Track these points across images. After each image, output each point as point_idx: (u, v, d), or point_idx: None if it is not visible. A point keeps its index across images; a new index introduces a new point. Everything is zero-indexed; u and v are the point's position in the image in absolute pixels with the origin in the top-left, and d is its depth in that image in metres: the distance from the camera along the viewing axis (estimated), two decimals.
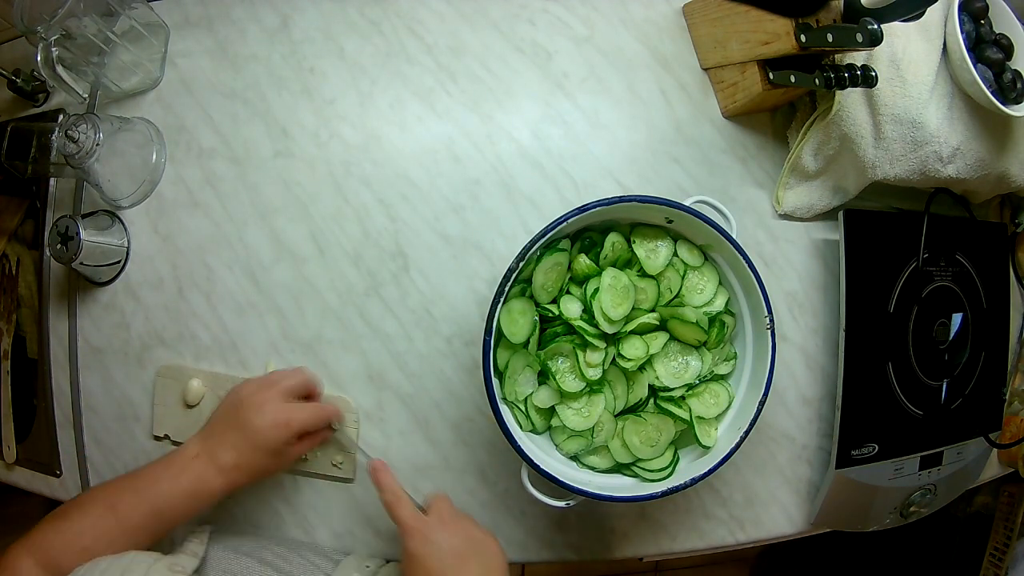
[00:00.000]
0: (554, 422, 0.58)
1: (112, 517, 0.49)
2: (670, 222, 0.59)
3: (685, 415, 0.58)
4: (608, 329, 0.56)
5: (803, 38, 0.58)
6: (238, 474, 0.54)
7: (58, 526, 0.48)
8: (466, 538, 0.51)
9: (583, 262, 0.57)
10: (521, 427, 0.58)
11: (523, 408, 0.58)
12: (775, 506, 0.71)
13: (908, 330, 0.71)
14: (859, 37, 0.52)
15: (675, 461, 0.58)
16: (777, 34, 0.59)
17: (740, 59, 0.66)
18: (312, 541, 0.67)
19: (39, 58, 0.61)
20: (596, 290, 0.56)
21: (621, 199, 0.55)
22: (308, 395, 0.60)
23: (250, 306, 0.68)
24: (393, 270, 0.68)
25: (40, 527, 0.48)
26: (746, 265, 0.57)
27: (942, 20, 0.62)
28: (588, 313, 0.57)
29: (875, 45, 0.52)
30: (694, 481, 0.55)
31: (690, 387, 0.59)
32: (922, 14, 0.55)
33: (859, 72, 0.57)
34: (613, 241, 0.59)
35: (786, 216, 0.72)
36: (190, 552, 0.52)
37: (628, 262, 0.60)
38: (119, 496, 0.50)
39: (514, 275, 0.53)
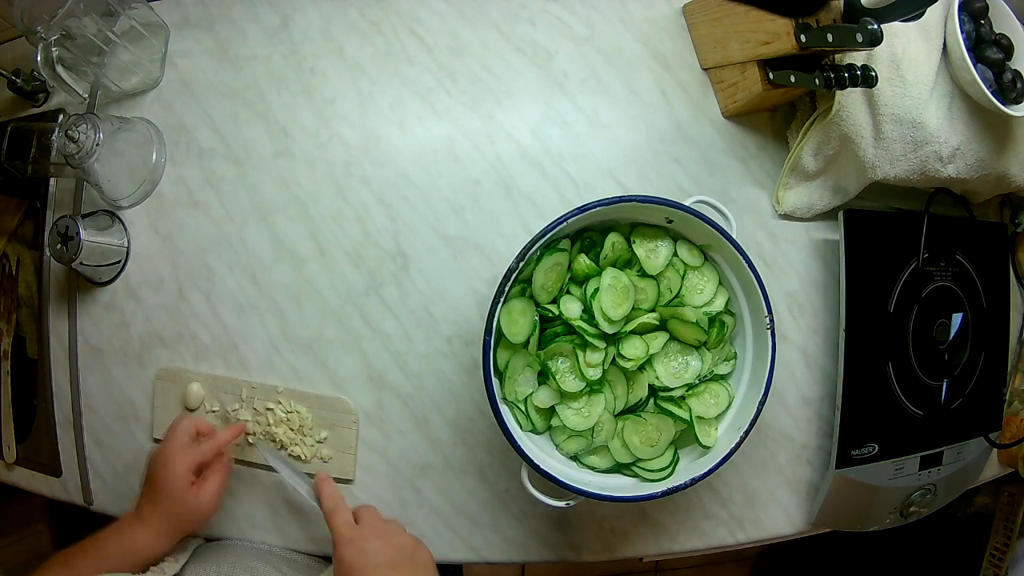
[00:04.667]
0: (554, 422, 0.58)
1: (68, 571, 0.54)
2: (670, 222, 0.59)
3: (685, 415, 0.58)
4: (608, 329, 0.56)
5: (803, 38, 0.58)
6: (169, 535, 0.58)
7: None
8: (398, 547, 0.53)
9: (583, 262, 0.57)
10: (521, 427, 0.58)
11: (523, 408, 0.58)
12: (775, 506, 0.71)
13: (908, 330, 0.71)
14: (859, 37, 0.52)
15: (675, 461, 0.58)
16: (777, 34, 0.59)
17: (740, 59, 0.66)
18: (303, 550, 0.67)
19: (39, 58, 0.61)
20: (596, 290, 0.56)
21: (621, 199, 0.55)
22: (201, 434, 0.63)
23: (250, 306, 0.68)
24: (393, 270, 0.68)
25: None
26: (746, 265, 0.57)
27: (942, 20, 0.62)
28: (588, 313, 0.57)
29: (875, 45, 0.52)
30: (694, 481, 0.55)
31: (690, 387, 0.59)
32: (922, 14, 0.54)
33: (859, 72, 0.57)
34: (613, 241, 0.59)
35: (786, 216, 0.72)
36: (171, 558, 0.58)
37: (628, 262, 0.60)
38: (75, 557, 0.55)
39: (514, 275, 0.53)
